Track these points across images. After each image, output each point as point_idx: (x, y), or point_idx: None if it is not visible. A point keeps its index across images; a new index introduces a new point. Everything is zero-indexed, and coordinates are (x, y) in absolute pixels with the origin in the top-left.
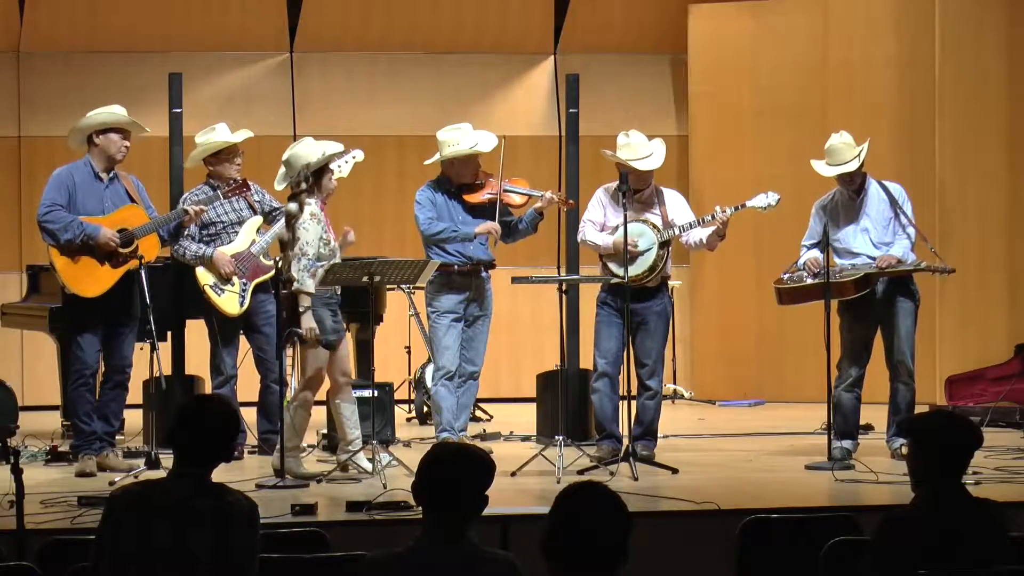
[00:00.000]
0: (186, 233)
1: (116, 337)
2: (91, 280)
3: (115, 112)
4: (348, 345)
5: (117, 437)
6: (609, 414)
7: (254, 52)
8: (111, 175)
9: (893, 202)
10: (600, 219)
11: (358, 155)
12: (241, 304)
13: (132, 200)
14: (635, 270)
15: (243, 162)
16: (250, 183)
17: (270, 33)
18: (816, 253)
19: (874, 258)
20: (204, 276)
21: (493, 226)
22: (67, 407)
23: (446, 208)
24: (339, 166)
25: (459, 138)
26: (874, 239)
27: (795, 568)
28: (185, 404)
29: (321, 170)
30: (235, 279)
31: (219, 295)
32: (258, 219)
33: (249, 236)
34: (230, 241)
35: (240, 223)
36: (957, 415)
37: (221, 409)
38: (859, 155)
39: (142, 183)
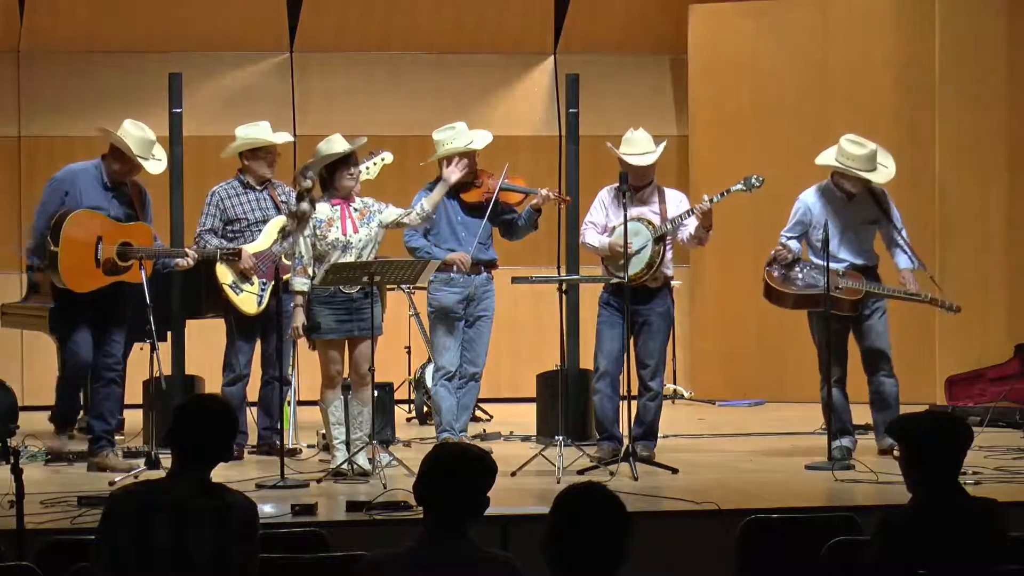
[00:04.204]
0: (209, 227)
1: (102, 336)
2: (83, 276)
3: (135, 134)
4: (368, 345)
5: (117, 437)
6: (610, 415)
7: (254, 52)
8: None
9: (881, 206)
10: (602, 220)
11: (387, 157)
12: (259, 304)
13: (136, 213)
14: (633, 269)
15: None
16: (277, 182)
17: (270, 33)
18: (796, 245)
19: (858, 265)
20: (224, 274)
21: (460, 257)
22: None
23: (444, 209)
24: (367, 167)
25: (453, 136)
26: (857, 246)
27: (795, 568)
28: (183, 404)
29: (333, 168)
30: (254, 278)
31: (237, 294)
32: (282, 219)
33: (271, 235)
34: (253, 239)
35: (264, 221)
36: (945, 414)
37: (219, 409)
38: (888, 164)
39: (149, 194)
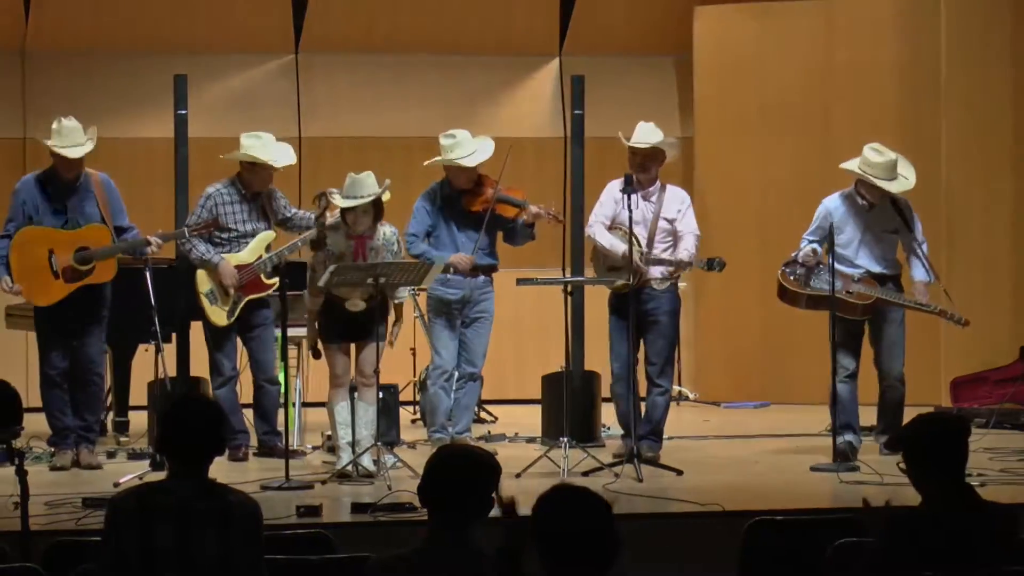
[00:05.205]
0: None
1: (79, 340)
2: (44, 290)
3: (58, 135)
4: (373, 349)
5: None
6: (630, 414)
7: (259, 54)
8: (79, 180)
9: (903, 217)
10: (611, 214)
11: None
12: (229, 317)
13: (100, 207)
14: (619, 281)
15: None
16: (273, 188)
17: (275, 34)
18: (818, 248)
19: (875, 273)
20: (203, 282)
21: (461, 260)
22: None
23: (444, 212)
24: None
25: (452, 146)
26: (877, 254)
27: (800, 570)
28: (166, 410)
29: (345, 209)
30: (232, 291)
31: (211, 303)
32: (270, 234)
33: (256, 250)
34: (239, 250)
35: (253, 235)
36: (936, 414)
37: (203, 406)
38: (908, 176)
39: (114, 183)
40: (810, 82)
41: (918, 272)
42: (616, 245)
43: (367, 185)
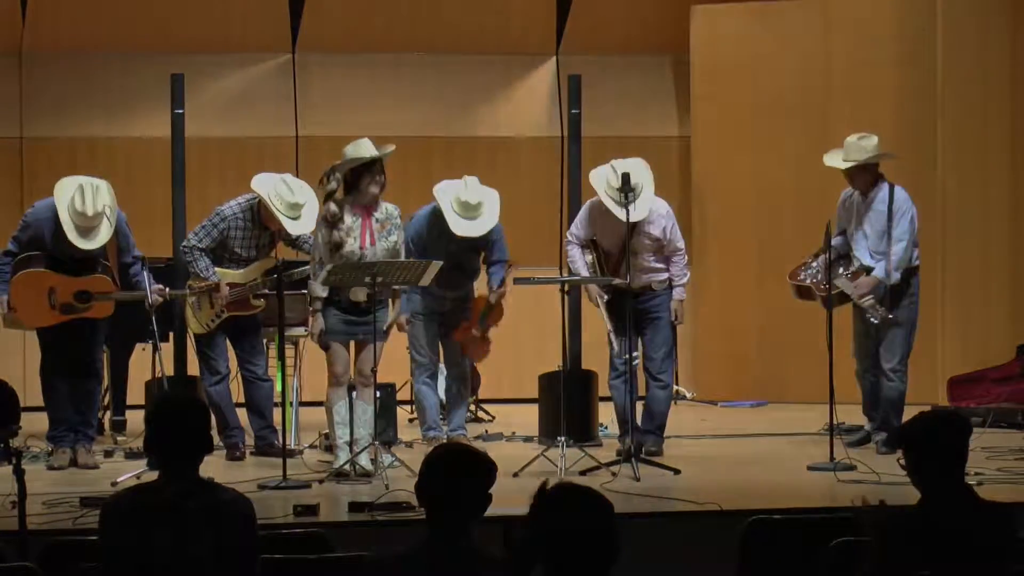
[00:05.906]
0: (203, 247)
1: (76, 352)
2: (38, 315)
3: (76, 215)
4: (372, 348)
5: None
6: (628, 411)
7: (256, 53)
8: None
9: (889, 212)
10: (584, 235)
11: None
12: (205, 328)
13: (107, 247)
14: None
15: (244, 162)
16: None
17: (272, 34)
18: (840, 240)
19: (866, 265)
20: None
21: (400, 321)
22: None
23: (439, 238)
24: None
25: (459, 193)
26: (870, 247)
27: (798, 569)
28: (152, 411)
29: (358, 173)
30: (218, 307)
31: (193, 312)
32: (270, 261)
33: (253, 273)
34: (238, 268)
35: (255, 260)
36: (937, 412)
37: (188, 404)
38: (857, 159)
39: (125, 215)
40: (807, 81)
41: (878, 267)
42: (585, 276)
43: (370, 145)
